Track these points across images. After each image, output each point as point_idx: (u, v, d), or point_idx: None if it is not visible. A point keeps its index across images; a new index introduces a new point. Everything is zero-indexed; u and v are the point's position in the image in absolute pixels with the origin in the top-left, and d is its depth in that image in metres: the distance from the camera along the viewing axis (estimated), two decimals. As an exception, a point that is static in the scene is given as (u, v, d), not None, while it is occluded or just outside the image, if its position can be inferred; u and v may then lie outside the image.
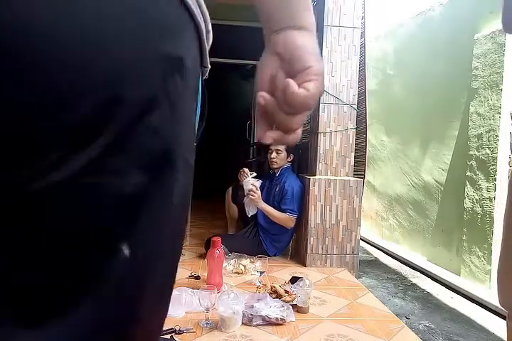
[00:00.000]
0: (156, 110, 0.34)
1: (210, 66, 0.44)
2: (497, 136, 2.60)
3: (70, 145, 0.30)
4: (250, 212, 2.73)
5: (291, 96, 0.39)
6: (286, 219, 2.72)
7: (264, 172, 3.13)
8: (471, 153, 2.81)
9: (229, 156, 6.37)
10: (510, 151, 2.61)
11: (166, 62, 0.34)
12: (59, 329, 0.30)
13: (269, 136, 0.42)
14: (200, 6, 0.39)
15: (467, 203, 2.82)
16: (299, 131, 0.43)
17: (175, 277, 0.43)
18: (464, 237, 2.84)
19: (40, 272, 0.31)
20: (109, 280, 0.33)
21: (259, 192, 2.68)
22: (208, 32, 0.41)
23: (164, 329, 1.66)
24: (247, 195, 2.67)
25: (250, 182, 2.67)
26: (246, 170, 2.75)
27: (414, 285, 2.82)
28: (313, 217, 2.69)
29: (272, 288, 2.06)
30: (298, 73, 0.41)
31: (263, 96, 0.41)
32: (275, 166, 2.88)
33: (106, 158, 0.31)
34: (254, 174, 2.74)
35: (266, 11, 0.45)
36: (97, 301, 0.32)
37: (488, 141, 2.66)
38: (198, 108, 0.44)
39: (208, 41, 0.42)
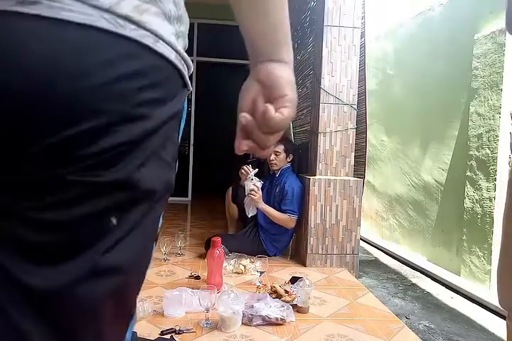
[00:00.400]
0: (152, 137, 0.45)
1: (191, 88, 0.53)
2: (497, 136, 2.60)
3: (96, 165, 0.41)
4: (250, 212, 2.72)
5: (269, 119, 0.48)
6: (286, 219, 2.72)
7: (264, 173, 3.13)
8: (471, 153, 2.81)
9: (229, 156, 6.36)
10: (510, 151, 2.61)
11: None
12: (62, 268, 0.42)
13: (244, 143, 0.51)
14: (183, 59, 0.48)
15: (467, 203, 2.82)
16: (271, 149, 0.54)
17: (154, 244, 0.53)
18: (464, 237, 2.84)
19: (46, 233, 0.41)
20: (103, 236, 0.43)
21: (260, 192, 2.67)
22: (189, 69, 0.51)
23: (164, 329, 1.66)
24: (248, 194, 2.66)
25: (252, 182, 2.66)
26: (247, 167, 2.73)
27: (414, 285, 2.82)
28: (313, 217, 2.69)
29: (272, 288, 2.06)
30: (275, 99, 0.50)
31: (245, 117, 0.50)
32: (275, 168, 2.88)
33: (111, 162, 0.42)
34: (256, 170, 2.71)
35: (250, 43, 0.53)
36: (92, 252, 0.43)
37: (488, 141, 2.66)
38: (183, 117, 0.53)
39: (189, 73, 0.51)
